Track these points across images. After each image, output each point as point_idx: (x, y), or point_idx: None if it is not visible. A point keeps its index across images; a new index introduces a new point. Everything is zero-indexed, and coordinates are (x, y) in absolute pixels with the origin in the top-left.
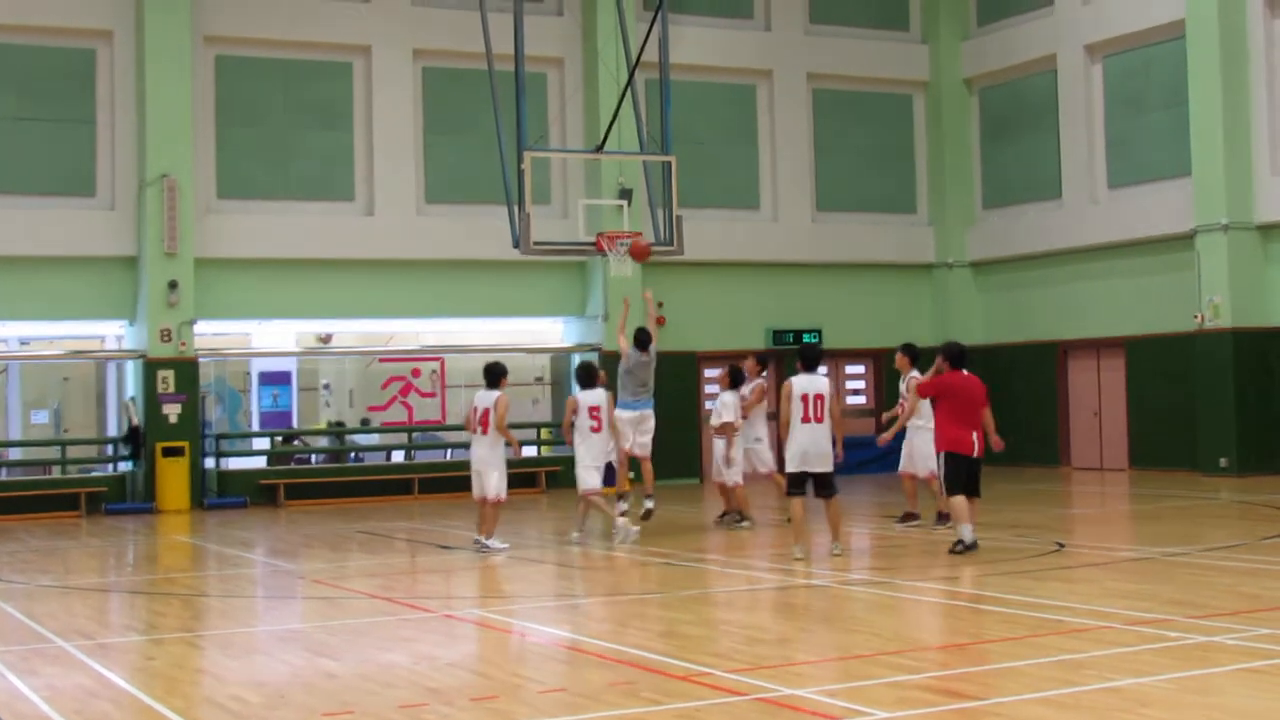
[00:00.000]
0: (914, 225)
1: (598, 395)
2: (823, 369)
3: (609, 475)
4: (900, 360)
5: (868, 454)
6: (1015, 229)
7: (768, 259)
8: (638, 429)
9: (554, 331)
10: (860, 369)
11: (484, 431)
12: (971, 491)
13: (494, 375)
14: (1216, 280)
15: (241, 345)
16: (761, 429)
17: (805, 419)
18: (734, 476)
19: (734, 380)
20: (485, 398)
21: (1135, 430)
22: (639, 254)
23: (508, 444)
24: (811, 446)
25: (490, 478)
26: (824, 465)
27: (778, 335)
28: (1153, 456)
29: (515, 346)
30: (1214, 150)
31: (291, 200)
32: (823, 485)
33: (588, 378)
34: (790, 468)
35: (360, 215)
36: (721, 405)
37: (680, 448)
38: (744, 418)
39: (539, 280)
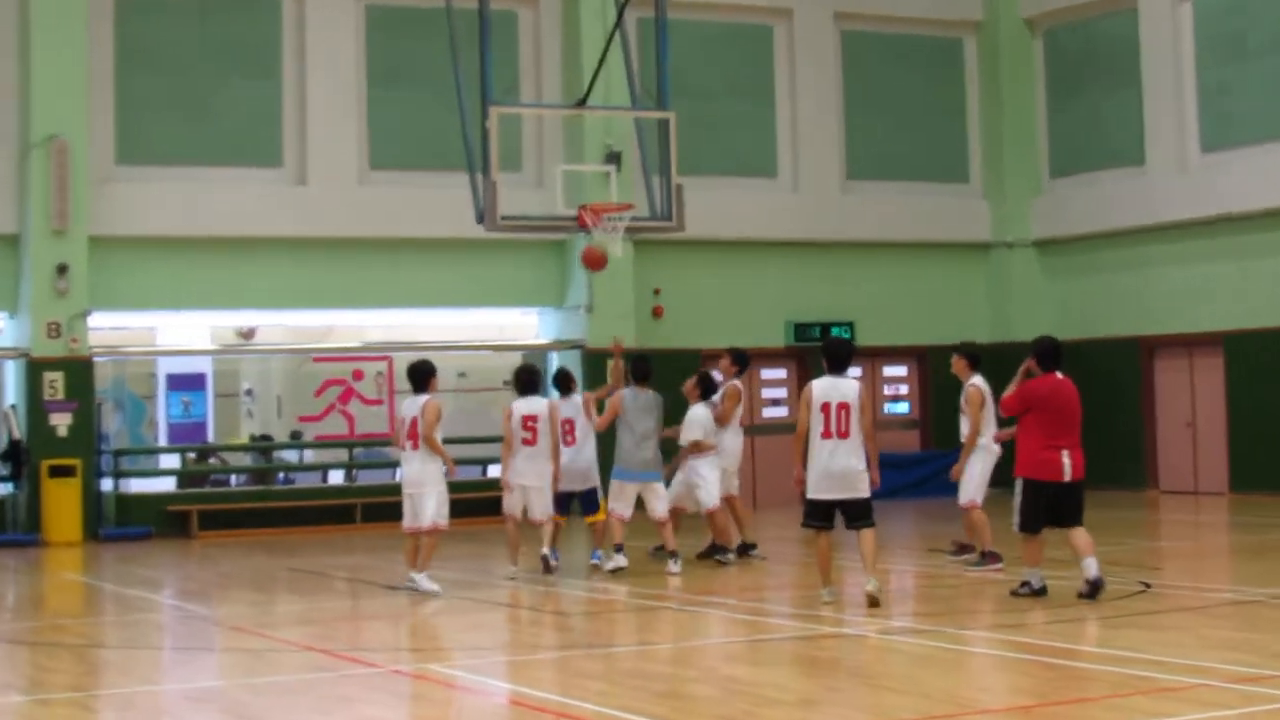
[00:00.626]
0: (966, 197)
1: (536, 404)
2: (854, 371)
3: (559, 500)
4: (958, 364)
5: (908, 477)
6: (1088, 201)
7: (787, 237)
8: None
9: (527, 325)
10: (901, 370)
11: (414, 446)
12: (1063, 522)
13: (419, 377)
14: None
15: (145, 343)
16: (731, 447)
17: (826, 433)
18: (709, 499)
19: (705, 390)
20: (413, 405)
21: (1236, 446)
22: (592, 262)
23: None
24: (832, 466)
25: (426, 502)
26: (851, 490)
27: (800, 330)
28: (1257, 478)
29: (479, 343)
30: None
31: (207, 166)
32: (855, 516)
33: (529, 384)
34: (810, 493)
35: (290, 184)
36: (689, 421)
37: None
38: (724, 425)
39: (508, 263)
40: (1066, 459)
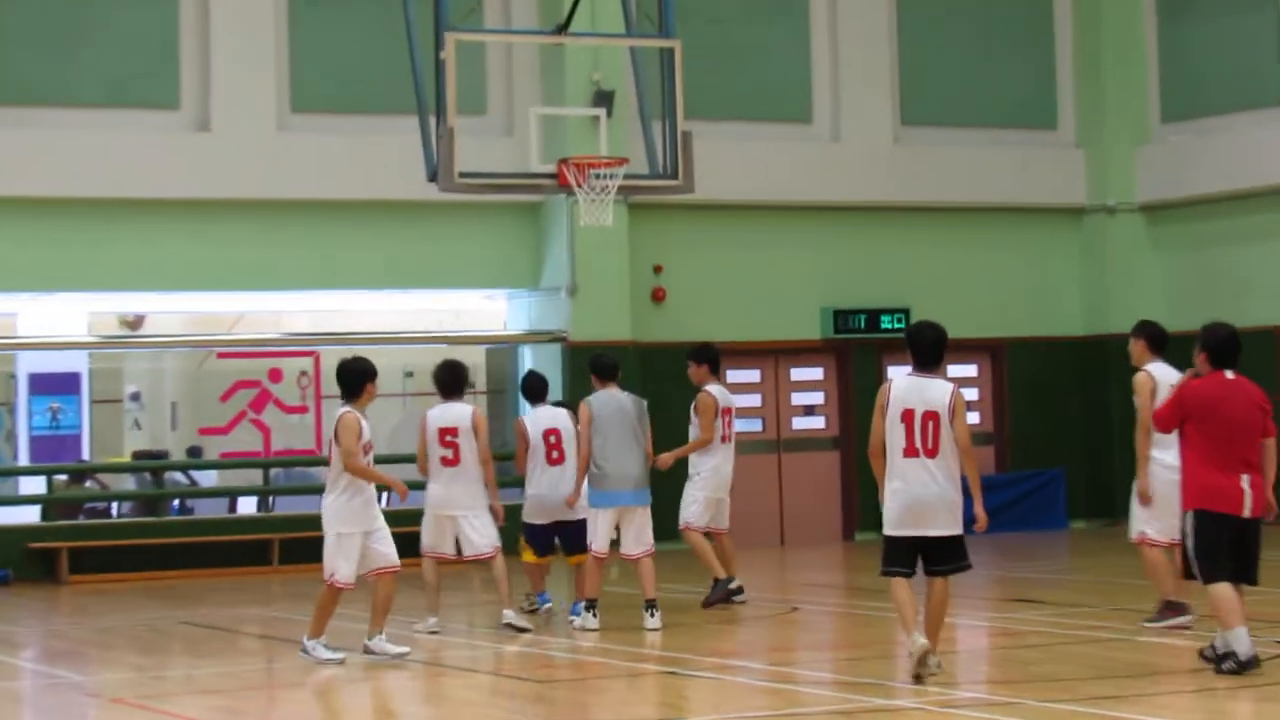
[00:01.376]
0: (1054, 147)
1: (458, 413)
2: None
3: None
4: (1136, 347)
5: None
6: (1212, 154)
7: (825, 200)
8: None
9: (493, 313)
10: (970, 370)
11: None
12: (1243, 575)
13: (352, 380)
14: None
15: (2, 332)
16: (716, 471)
17: (910, 451)
18: (694, 517)
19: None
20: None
21: None
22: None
23: (383, 488)
24: (923, 493)
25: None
26: (942, 524)
27: (841, 319)
28: None
29: (432, 334)
30: None
31: (81, 108)
32: (939, 558)
33: (451, 386)
34: (888, 529)
35: (189, 130)
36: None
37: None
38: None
39: (468, 233)
40: (1247, 486)
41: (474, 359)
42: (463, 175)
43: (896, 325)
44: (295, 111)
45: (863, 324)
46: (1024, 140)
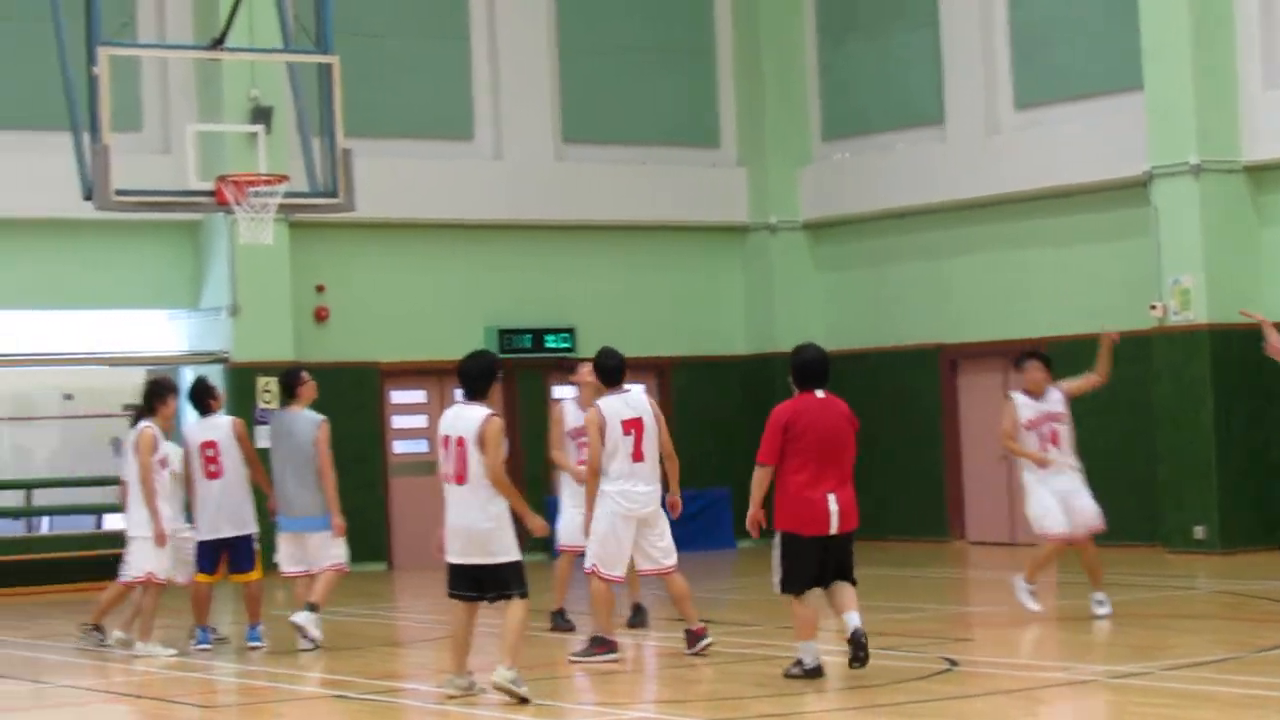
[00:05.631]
0: (717, 165)
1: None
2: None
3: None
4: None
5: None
6: (872, 173)
7: (488, 218)
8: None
9: (158, 334)
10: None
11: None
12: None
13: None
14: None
15: None
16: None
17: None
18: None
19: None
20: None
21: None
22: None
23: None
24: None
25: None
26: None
27: (506, 338)
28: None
29: (91, 356)
30: (1178, 64)
31: None
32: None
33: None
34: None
35: None
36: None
37: (357, 514)
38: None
39: (127, 251)
40: (834, 504)
41: (134, 380)
42: (119, 193)
43: (562, 344)
44: None
45: (528, 343)
46: (686, 158)
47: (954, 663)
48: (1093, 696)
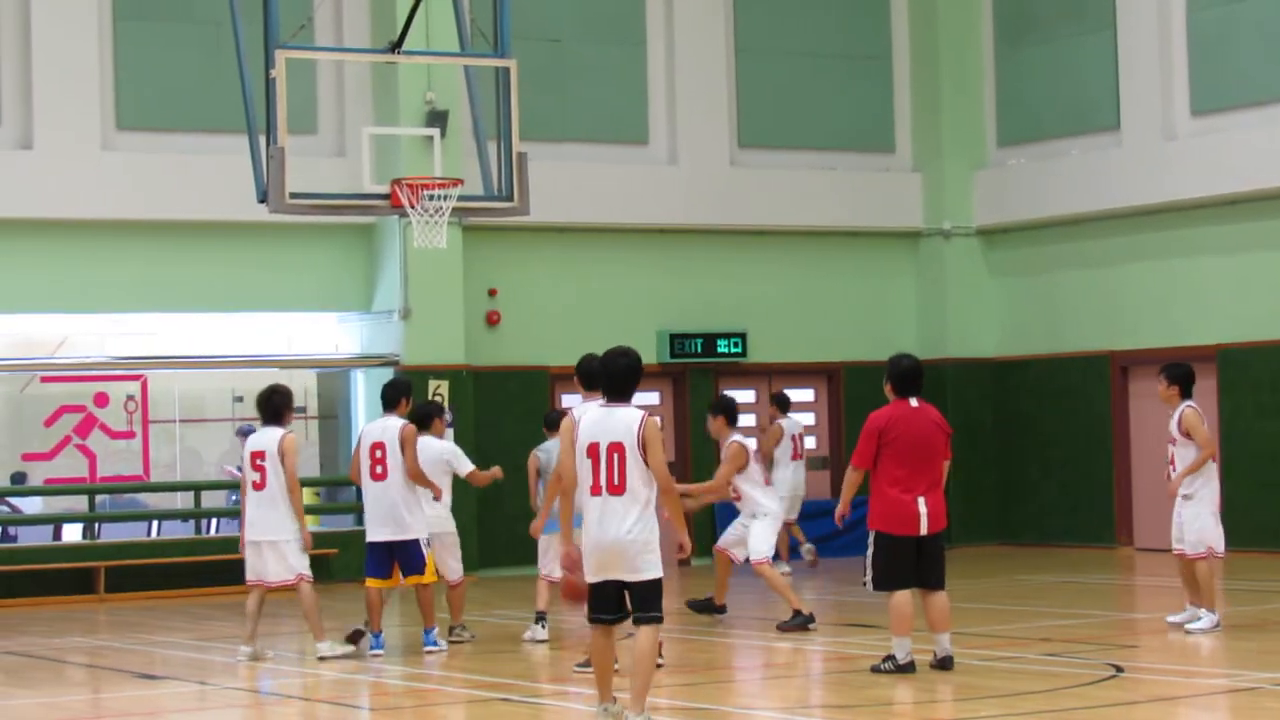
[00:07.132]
0: (891, 171)
1: (270, 437)
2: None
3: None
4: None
5: (816, 529)
6: (1048, 179)
7: (661, 223)
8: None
9: (326, 336)
10: (808, 394)
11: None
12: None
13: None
14: None
15: None
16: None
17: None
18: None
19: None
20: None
21: (1231, 491)
22: (572, 594)
23: None
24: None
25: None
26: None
27: (677, 342)
28: (1257, 532)
29: (262, 359)
30: None
31: None
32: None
33: (275, 411)
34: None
35: (10, 148)
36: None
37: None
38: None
39: (300, 254)
40: (924, 506)
41: (305, 383)
42: (293, 196)
43: (733, 349)
44: (120, 129)
45: (699, 348)
46: (861, 164)
47: (1119, 669)
48: (1258, 704)
